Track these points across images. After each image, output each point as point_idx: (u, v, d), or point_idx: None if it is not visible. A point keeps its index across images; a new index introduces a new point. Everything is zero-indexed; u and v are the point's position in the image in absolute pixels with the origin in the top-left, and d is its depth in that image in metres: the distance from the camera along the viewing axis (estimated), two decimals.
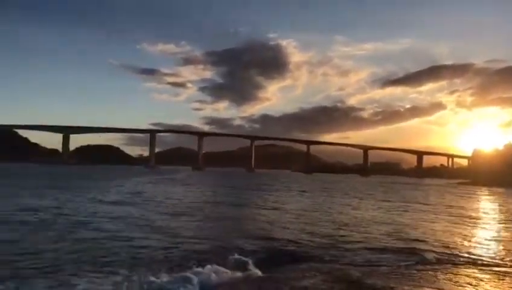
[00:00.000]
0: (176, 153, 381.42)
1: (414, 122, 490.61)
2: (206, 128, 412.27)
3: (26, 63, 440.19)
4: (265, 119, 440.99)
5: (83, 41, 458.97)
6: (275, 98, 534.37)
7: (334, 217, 31.07)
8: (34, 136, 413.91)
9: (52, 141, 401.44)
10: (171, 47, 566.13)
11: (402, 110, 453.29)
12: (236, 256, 15.32)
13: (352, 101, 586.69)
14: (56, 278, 12.44)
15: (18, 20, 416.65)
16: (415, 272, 14.52)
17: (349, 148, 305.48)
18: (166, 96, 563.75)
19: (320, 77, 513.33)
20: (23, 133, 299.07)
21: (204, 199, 46.38)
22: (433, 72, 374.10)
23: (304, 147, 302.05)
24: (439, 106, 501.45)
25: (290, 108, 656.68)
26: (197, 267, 13.70)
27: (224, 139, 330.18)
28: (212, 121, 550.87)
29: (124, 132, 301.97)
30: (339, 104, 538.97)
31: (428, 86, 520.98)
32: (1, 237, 18.55)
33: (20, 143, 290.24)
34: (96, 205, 34.39)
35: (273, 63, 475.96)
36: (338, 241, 20.41)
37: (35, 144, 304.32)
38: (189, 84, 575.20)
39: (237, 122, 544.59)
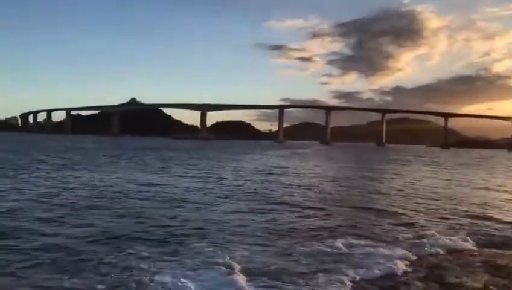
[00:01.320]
0: (304, 128, 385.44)
1: None
2: (334, 102, 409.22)
3: (177, 47, 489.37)
4: (397, 91, 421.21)
5: (224, 25, 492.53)
6: (408, 68, 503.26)
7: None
8: (176, 114, 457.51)
9: (192, 118, 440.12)
10: (299, 22, 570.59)
11: None
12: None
13: (498, 68, 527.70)
14: None
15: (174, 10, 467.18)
16: None
17: (493, 121, 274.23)
18: (294, 72, 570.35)
19: (460, 43, 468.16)
20: (167, 111, 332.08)
21: (337, 172, 46.18)
22: None
23: (439, 120, 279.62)
24: None
25: (425, 78, 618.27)
26: None
27: (352, 113, 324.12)
28: (340, 94, 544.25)
29: (254, 108, 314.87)
30: (482, 72, 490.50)
31: None
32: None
33: (165, 120, 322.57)
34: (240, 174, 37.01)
35: (406, 31, 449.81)
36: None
37: (177, 121, 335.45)
38: (316, 58, 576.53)
39: (366, 95, 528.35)
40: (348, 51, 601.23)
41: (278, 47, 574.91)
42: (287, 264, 11.08)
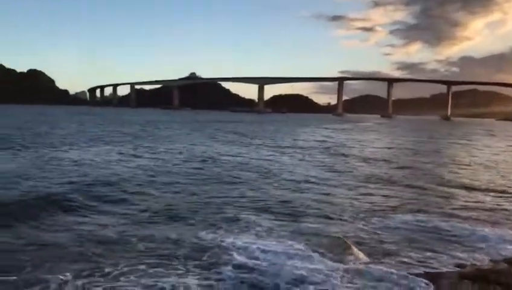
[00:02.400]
0: (364, 100, 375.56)
1: None
2: (397, 74, 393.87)
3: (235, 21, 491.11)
4: (464, 61, 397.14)
5: None
6: (478, 36, 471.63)
7: None
8: (234, 88, 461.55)
9: (250, 92, 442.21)
10: None
11: None
12: None
13: None
14: None
15: None
16: None
17: None
18: (354, 43, 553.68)
19: None
20: (225, 85, 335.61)
21: (400, 147, 44.92)
22: None
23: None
24: None
25: (497, 47, 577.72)
26: None
27: (416, 85, 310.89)
28: (403, 66, 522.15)
29: (313, 81, 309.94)
30: None
31: None
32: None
33: (223, 94, 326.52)
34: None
35: None
36: None
37: (235, 95, 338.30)
38: (378, 28, 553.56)
39: (431, 66, 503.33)
40: (412, 20, 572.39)
41: (338, 17, 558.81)
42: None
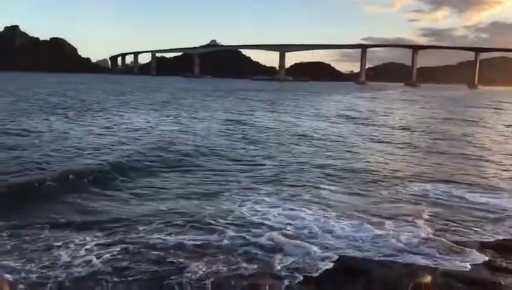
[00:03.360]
0: (387, 68, 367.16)
1: None
2: (422, 40, 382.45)
3: None
4: (494, 27, 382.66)
5: None
6: (509, 1, 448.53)
7: None
8: (255, 55, 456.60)
9: (270, 59, 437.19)
10: None
11: None
12: None
13: None
14: None
15: None
16: None
17: None
18: (378, 8, 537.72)
19: None
20: (246, 52, 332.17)
21: (428, 115, 44.10)
22: None
23: None
24: None
25: None
26: None
27: (442, 52, 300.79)
28: (429, 32, 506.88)
29: (335, 48, 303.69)
30: None
31: None
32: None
33: (243, 62, 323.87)
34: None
35: None
36: None
37: (256, 62, 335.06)
38: None
39: (459, 32, 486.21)
40: None
41: None
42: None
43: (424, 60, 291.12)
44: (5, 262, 7.47)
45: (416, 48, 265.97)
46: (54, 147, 18.34)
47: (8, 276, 6.89)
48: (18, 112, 32.02)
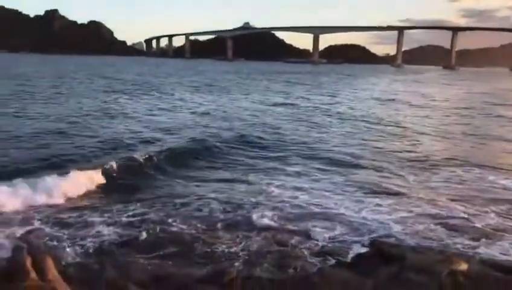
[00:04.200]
0: (424, 51, 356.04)
1: None
2: (463, 22, 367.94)
3: None
4: None
5: None
6: None
7: None
8: (288, 38, 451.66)
9: (304, 42, 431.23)
10: None
11: None
12: None
13: None
14: None
15: None
16: None
17: None
18: None
19: None
20: (279, 35, 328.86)
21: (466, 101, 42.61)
22: None
23: None
24: None
25: None
26: None
27: (483, 34, 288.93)
28: (470, 13, 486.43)
29: (371, 30, 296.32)
30: None
31: None
32: None
33: (277, 44, 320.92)
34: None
35: None
36: None
37: (289, 45, 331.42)
38: None
39: (503, 13, 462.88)
40: None
41: None
42: None
43: (464, 43, 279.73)
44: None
45: (456, 30, 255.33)
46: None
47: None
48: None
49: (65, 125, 19.21)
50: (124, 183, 11.64)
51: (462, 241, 8.13)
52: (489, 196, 10.88)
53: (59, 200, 9.88)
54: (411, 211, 9.64)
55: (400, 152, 16.06)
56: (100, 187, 11.12)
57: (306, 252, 7.58)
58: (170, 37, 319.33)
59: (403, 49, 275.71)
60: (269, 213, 9.41)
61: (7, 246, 7.01)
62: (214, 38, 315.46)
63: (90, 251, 7.41)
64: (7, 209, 8.99)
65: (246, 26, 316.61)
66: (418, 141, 18.52)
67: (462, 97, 44.72)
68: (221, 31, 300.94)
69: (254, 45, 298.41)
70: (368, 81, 73.18)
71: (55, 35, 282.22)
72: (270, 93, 41.53)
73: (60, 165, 12.36)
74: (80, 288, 5.03)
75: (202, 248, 7.62)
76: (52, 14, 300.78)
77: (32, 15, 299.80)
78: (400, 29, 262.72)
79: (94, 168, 11.96)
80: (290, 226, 8.74)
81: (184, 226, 8.61)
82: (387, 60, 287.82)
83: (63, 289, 4.70)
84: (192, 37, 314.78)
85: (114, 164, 12.47)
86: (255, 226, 8.71)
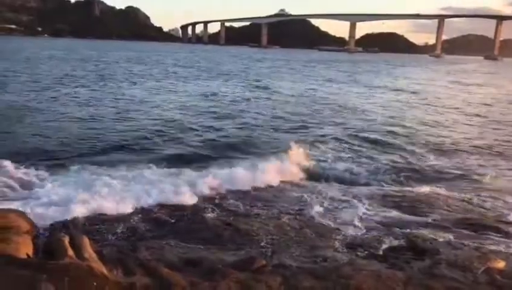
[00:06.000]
0: (464, 40, 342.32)
1: None
2: (509, 10, 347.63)
3: None
4: None
5: None
6: None
7: None
8: (324, 25, 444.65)
9: (340, 30, 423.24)
10: None
11: None
12: None
13: None
14: None
15: None
16: None
17: None
18: None
19: None
20: (315, 22, 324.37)
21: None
22: None
23: None
24: None
25: None
26: None
27: None
28: None
29: (409, 18, 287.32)
30: None
31: None
32: None
33: (312, 32, 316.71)
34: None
35: None
36: None
37: (325, 33, 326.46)
38: None
39: None
40: None
41: None
42: None
43: (509, 32, 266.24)
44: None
45: (500, 19, 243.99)
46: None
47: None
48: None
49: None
50: None
51: (500, 239, 7.86)
52: None
53: None
54: (446, 205, 9.39)
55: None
56: None
57: (337, 243, 7.53)
58: (206, 23, 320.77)
59: (444, 38, 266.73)
60: (300, 203, 9.40)
61: None
62: (249, 25, 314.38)
63: (125, 234, 7.62)
64: None
65: (282, 13, 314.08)
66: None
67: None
68: (256, 17, 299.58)
69: (289, 32, 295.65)
70: (409, 71, 71.56)
71: (95, 20, 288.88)
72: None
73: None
74: (114, 267, 5.20)
75: (234, 235, 7.69)
76: (92, 0, 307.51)
77: (73, 0, 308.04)
78: (441, 18, 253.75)
79: None
80: (322, 217, 8.69)
81: (215, 214, 8.72)
82: (425, 49, 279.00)
83: (98, 267, 4.88)
84: (227, 24, 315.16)
85: None
86: (286, 216, 8.71)
